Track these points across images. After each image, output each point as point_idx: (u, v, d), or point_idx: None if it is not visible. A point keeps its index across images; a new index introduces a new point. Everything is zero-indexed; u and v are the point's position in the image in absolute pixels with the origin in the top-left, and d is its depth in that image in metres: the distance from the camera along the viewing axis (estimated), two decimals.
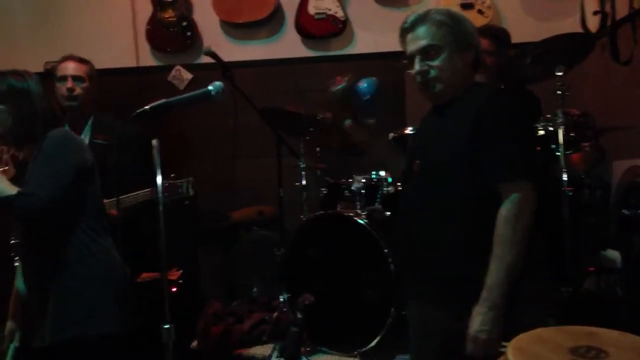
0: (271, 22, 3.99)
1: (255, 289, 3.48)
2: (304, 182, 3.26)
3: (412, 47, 1.84)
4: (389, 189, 2.92)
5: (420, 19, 1.84)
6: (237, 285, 3.66)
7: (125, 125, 2.97)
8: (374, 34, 3.93)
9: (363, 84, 1.94)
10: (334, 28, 3.85)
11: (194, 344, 2.93)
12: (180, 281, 3.33)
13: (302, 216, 3.12)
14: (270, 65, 4.00)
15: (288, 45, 4.00)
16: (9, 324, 2.20)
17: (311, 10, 3.85)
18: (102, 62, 4.01)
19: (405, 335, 2.70)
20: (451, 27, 1.82)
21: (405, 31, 1.87)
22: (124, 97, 3.99)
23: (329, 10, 3.83)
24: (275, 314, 2.91)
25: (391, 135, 2.98)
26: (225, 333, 2.84)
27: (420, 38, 1.82)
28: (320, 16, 3.84)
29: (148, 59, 4.09)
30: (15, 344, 2.17)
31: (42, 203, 1.94)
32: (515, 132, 1.72)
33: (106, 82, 4.01)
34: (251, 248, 3.64)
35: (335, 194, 3.21)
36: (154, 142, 1.77)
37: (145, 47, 4.05)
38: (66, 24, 4.08)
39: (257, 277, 3.50)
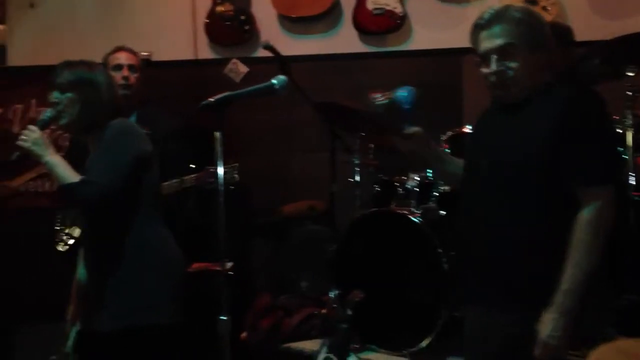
0: (328, 17, 3.97)
1: (304, 284, 3.49)
2: (357, 179, 3.24)
3: (487, 45, 1.78)
4: (445, 188, 2.87)
5: (498, 16, 1.77)
6: (286, 279, 3.67)
7: (171, 117, 3.01)
8: (432, 31, 3.88)
9: (402, 92, 1.90)
10: (391, 24, 3.80)
11: (244, 335, 2.96)
12: (231, 273, 3.36)
13: (354, 213, 3.10)
14: (326, 60, 3.98)
15: (344, 40, 3.98)
16: (71, 309, 2.27)
17: (369, 5, 3.82)
18: (161, 54, 4.12)
19: (457, 338, 2.66)
20: (529, 25, 1.76)
21: (480, 28, 1.80)
22: (180, 89, 4.07)
23: (388, 5, 3.79)
24: (324, 310, 2.90)
25: (448, 133, 2.92)
26: (275, 326, 2.86)
27: (496, 36, 1.76)
28: (378, 11, 3.80)
29: (205, 52, 4.13)
30: (77, 327, 2.23)
31: (102, 191, 1.98)
32: (601, 134, 1.67)
33: (164, 74, 4.11)
34: (301, 243, 3.65)
35: (388, 191, 3.17)
36: (217, 134, 1.79)
37: (203, 40, 4.09)
38: (128, 17, 4.15)
39: (306, 272, 3.51)
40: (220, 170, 1.84)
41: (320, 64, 3.97)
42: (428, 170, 2.97)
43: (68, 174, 2.01)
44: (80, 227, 2.87)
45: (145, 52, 4.07)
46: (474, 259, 1.83)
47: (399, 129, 1.97)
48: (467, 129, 2.87)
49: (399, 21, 3.79)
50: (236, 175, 2.56)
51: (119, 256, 2.08)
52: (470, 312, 1.91)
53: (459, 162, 2.03)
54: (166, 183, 2.59)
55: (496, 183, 1.76)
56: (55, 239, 2.93)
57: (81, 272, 2.27)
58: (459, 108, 3.77)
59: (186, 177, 2.72)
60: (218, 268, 3.37)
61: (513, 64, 1.75)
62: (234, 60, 4.06)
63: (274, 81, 1.87)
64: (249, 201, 3.80)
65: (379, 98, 3.05)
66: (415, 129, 1.98)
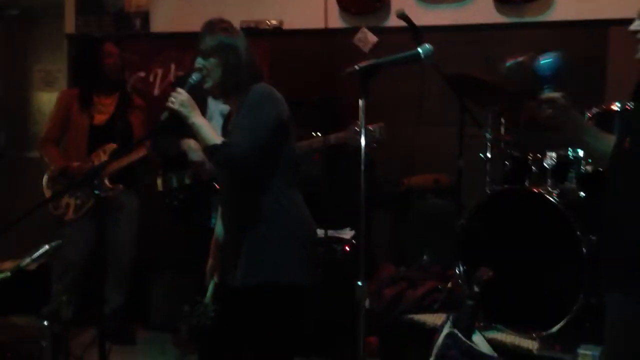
0: None
1: (425, 257, 3.46)
2: (488, 154, 3.13)
3: None
4: (587, 168, 2.70)
5: None
6: (407, 251, 3.66)
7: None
8: (576, 0, 3.64)
9: (545, 59, 1.77)
10: None
11: (367, 303, 2.99)
12: (354, 241, 3.40)
13: (485, 189, 3.01)
14: (459, 31, 3.85)
15: (479, 10, 3.82)
16: (210, 262, 2.39)
17: None
18: (292, 22, 4.18)
19: (591, 326, 2.55)
20: None
21: None
22: (309, 58, 4.12)
23: None
24: (449, 284, 2.87)
25: (594, 110, 2.74)
26: (398, 296, 2.86)
27: None
28: None
29: (335, 21, 4.12)
30: (215, 280, 2.35)
31: (243, 153, 2.05)
32: None
33: (293, 43, 4.17)
34: (424, 216, 3.61)
35: (520, 168, 3.04)
36: (361, 102, 1.78)
37: (333, 8, 4.08)
38: None
39: (429, 245, 3.47)
40: (362, 140, 1.84)
41: (452, 34, 3.85)
42: (569, 148, 2.80)
43: (212, 135, 2.10)
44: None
45: (276, 20, 4.18)
46: (622, 243, 1.71)
47: (537, 92, 1.86)
48: (616, 106, 2.67)
49: None
50: (384, 135, 2.58)
51: (256, 217, 2.15)
52: (615, 300, 1.80)
53: (610, 140, 1.90)
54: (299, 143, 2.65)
55: None
56: (167, 197, 3.12)
57: (219, 228, 2.38)
58: (602, 84, 3.53)
59: (314, 139, 2.77)
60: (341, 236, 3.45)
61: None
62: (364, 29, 4.03)
63: (419, 50, 1.82)
64: (374, 171, 3.79)
65: (514, 57, 2.92)
66: (555, 93, 1.86)
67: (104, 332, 2.28)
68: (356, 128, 2.64)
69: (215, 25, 2.22)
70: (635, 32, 1.69)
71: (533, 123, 3.25)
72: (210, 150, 2.10)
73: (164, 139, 3.06)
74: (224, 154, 2.07)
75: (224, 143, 2.08)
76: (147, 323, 3.82)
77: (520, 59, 3.25)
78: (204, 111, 2.16)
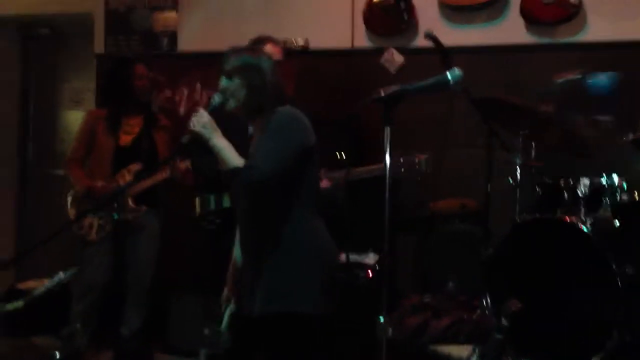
0: (493, 6, 3.74)
1: (450, 284, 3.36)
2: (517, 180, 3.03)
3: None
4: (623, 196, 2.59)
5: None
6: (431, 277, 3.57)
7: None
8: (610, 21, 3.53)
9: (598, 79, 1.70)
10: (564, 13, 3.51)
11: (389, 331, 2.91)
12: (377, 267, 3.32)
13: (516, 217, 2.91)
14: (487, 52, 3.78)
15: (508, 30, 3.74)
16: (227, 288, 2.34)
17: None
18: (318, 42, 4.15)
19: None
20: None
21: None
22: (335, 78, 4.08)
23: None
24: (475, 315, 2.77)
25: (631, 136, 2.64)
26: (422, 326, 2.78)
27: None
28: (549, 0, 3.53)
29: (362, 41, 4.08)
30: (231, 309, 2.30)
31: (264, 176, 2.01)
32: None
33: (319, 63, 4.14)
34: (450, 241, 3.52)
35: (552, 196, 2.94)
36: (387, 130, 1.73)
37: (360, 28, 4.05)
38: (288, 4, 4.22)
39: (454, 272, 3.37)
40: (388, 161, 1.78)
41: (481, 55, 3.77)
42: (604, 175, 2.69)
43: (233, 157, 2.06)
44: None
45: (302, 39, 4.16)
46: None
47: (589, 111, 1.78)
48: None
49: (573, 10, 3.49)
50: (429, 167, 2.52)
51: (275, 244, 2.10)
52: None
53: None
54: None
55: None
56: (203, 219, 3.07)
57: (237, 252, 2.33)
58: (636, 107, 3.41)
59: (374, 167, 2.72)
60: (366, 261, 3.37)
61: None
62: (390, 50, 3.98)
63: (448, 76, 1.77)
64: (398, 194, 3.72)
65: (566, 74, 2.84)
66: (605, 117, 1.78)
67: (120, 356, 2.25)
68: (401, 159, 2.59)
69: (241, 48, 2.20)
70: None
71: (565, 148, 3.16)
72: (231, 172, 2.06)
73: (203, 159, 3.01)
74: (245, 177, 2.03)
75: (245, 165, 2.04)
76: (165, 346, 3.78)
77: (572, 76, 3.17)
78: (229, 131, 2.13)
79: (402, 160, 2.59)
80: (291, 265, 2.09)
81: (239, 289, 2.30)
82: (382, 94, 1.76)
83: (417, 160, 2.59)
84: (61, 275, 2.08)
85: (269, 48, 2.86)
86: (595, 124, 1.71)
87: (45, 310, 3.11)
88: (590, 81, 1.70)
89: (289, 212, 2.11)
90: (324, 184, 2.68)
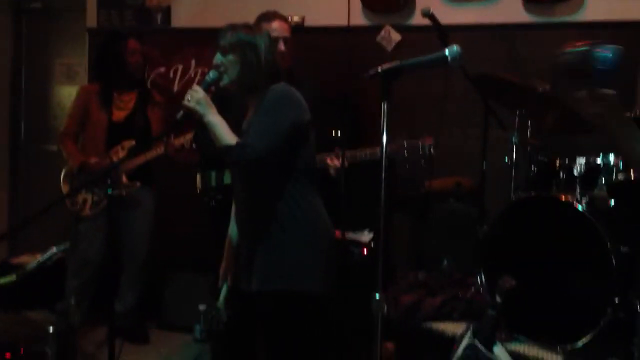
0: None
1: (445, 262, 3.37)
2: (513, 158, 3.03)
3: None
4: (619, 176, 2.59)
5: None
6: (426, 256, 3.58)
7: (311, 85, 2.94)
8: (608, 0, 3.52)
9: (604, 52, 1.70)
10: None
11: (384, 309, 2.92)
12: (372, 244, 3.33)
13: (512, 195, 2.91)
14: (485, 30, 3.76)
15: (506, 9, 3.73)
16: (223, 265, 2.34)
17: None
18: (313, 19, 4.10)
19: (618, 341, 2.45)
20: None
21: None
22: (331, 56, 4.04)
23: None
24: (469, 293, 2.78)
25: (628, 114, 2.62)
26: (416, 304, 2.79)
27: None
28: None
29: (358, 18, 4.05)
30: (228, 283, 2.30)
31: (257, 154, 2.00)
32: None
33: (315, 40, 4.10)
34: (445, 220, 3.52)
35: (547, 174, 2.94)
36: (384, 105, 1.71)
37: (357, 6, 4.01)
38: None
39: (449, 250, 3.38)
40: (384, 140, 1.76)
41: (478, 33, 3.75)
42: (601, 154, 2.69)
43: (226, 135, 2.04)
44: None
45: (297, 16, 4.11)
46: None
47: (588, 86, 1.77)
48: None
49: None
50: (433, 152, 2.52)
51: (271, 222, 2.10)
52: None
53: None
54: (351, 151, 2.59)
55: None
56: (205, 195, 3.05)
57: (233, 229, 2.32)
58: (632, 88, 3.41)
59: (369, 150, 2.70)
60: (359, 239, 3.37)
61: None
62: (387, 28, 3.94)
63: (446, 52, 1.74)
64: (393, 173, 3.71)
65: (572, 45, 2.80)
66: (609, 90, 1.77)
67: (114, 331, 2.25)
68: (405, 142, 2.58)
69: (238, 25, 2.17)
70: None
71: (562, 126, 3.15)
72: (224, 150, 2.04)
73: (205, 133, 2.97)
74: (238, 154, 2.02)
75: (238, 143, 2.02)
76: (161, 322, 3.79)
77: (581, 47, 3.14)
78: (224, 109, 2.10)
79: (406, 144, 2.59)
80: (289, 243, 2.09)
81: (235, 265, 2.30)
82: (380, 70, 1.74)
83: (421, 145, 2.59)
84: (54, 250, 2.08)
85: (276, 24, 2.80)
86: (601, 98, 1.69)
87: (40, 284, 3.10)
88: (597, 53, 1.69)
89: (285, 189, 2.10)
90: (335, 162, 2.67)
